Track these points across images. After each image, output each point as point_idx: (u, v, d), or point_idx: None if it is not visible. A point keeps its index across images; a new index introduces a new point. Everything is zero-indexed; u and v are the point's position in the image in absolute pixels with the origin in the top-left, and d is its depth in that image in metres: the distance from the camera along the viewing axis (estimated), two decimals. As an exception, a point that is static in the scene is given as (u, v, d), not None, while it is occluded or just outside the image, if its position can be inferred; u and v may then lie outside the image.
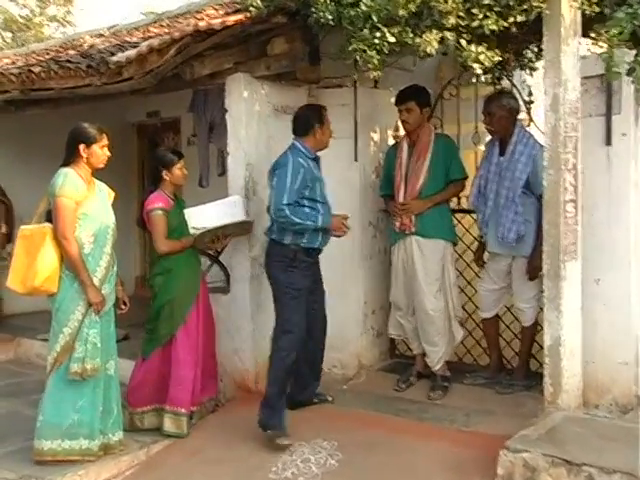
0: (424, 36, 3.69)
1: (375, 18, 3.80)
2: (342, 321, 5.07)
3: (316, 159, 4.43)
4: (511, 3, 3.67)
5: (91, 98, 5.19)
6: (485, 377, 4.86)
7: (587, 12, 3.69)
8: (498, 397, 4.61)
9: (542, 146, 4.08)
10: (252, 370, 4.90)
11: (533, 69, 5.03)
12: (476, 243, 5.10)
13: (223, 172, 6.05)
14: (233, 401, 4.84)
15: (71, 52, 6.00)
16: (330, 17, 3.98)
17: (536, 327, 4.66)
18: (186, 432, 4.31)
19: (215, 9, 6.19)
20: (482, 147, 5.02)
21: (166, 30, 5.47)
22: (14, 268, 3.88)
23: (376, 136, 5.37)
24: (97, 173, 4.04)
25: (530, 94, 4.93)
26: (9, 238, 6.75)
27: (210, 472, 3.96)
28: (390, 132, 5.45)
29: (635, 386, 4.01)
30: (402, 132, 5.02)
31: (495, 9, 3.69)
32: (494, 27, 3.69)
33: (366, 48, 3.82)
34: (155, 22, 7.22)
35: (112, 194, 4.12)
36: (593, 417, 3.87)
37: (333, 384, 5.00)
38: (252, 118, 4.91)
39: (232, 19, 4.44)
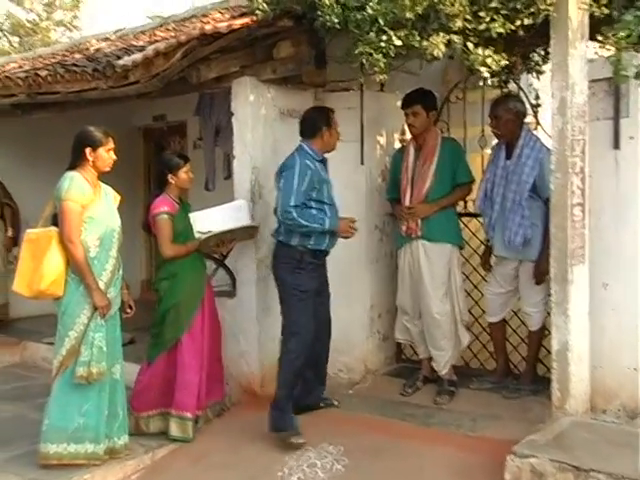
0: (431, 39, 3.67)
1: (381, 21, 3.79)
2: (348, 325, 5.06)
3: (323, 161, 4.43)
4: (518, 6, 3.65)
5: (97, 102, 5.19)
6: (492, 382, 4.84)
7: (596, 14, 3.67)
8: (505, 402, 4.58)
9: (549, 149, 4.06)
10: (258, 373, 4.89)
11: (540, 72, 5.02)
12: (483, 247, 5.09)
13: (229, 176, 6.03)
14: (239, 405, 4.83)
15: (77, 56, 5.99)
16: (336, 20, 3.97)
17: (543, 331, 4.64)
18: (192, 436, 4.31)
19: (221, 13, 6.19)
20: (489, 151, 5.01)
21: (172, 34, 5.46)
22: (20, 272, 3.89)
23: (382, 140, 5.36)
24: (103, 176, 4.04)
25: (537, 97, 4.92)
26: (15, 242, 6.76)
27: (216, 477, 3.96)
28: (396, 136, 5.44)
29: (643, 391, 3.99)
30: (408, 136, 5.01)
31: (502, 12, 3.68)
32: (501, 30, 3.68)
33: (372, 51, 3.81)
34: (161, 26, 7.22)
35: (118, 198, 4.13)
36: (601, 422, 3.85)
37: (339, 388, 4.98)
38: (258, 122, 4.90)
39: (238, 22, 4.45)
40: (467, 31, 3.72)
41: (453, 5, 3.63)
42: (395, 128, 5.40)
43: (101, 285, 3.85)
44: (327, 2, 3.97)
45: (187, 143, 7.74)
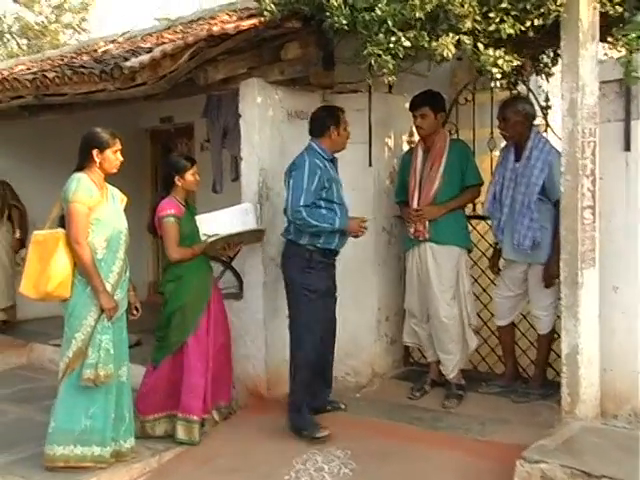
0: (440, 40, 3.65)
1: (390, 22, 3.76)
2: (355, 328, 5.04)
3: (333, 160, 4.43)
4: (528, 7, 3.62)
5: (104, 103, 5.18)
6: (500, 385, 4.81)
7: (610, 13, 3.63)
8: (514, 406, 4.55)
9: (558, 151, 4.03)
10: (264, 376, 4.87)
11: (549, 74, 4.98)
12: (491, 250, 5.05)
13: (236, 177, 6.03)
14: (245, 408, 4.80)
15: (85, 58, 5.99)
16: (345, 22, 3.95)
17: (553, 335, 4.60)
18: (198, 439, 4.29)
19: (229, 14, 6.17)
20: (497, 153, 4.98)
21: (180, 36, 5.45)
22: (27, 273, 3.88)
23: (390, 141, 5.34)
24: (110, 178, 4.04)
25: (547, 99, 4.89)
26: (23, 243, 6.78)
27: (222, 480, 3.94)
28: (405, 137, 5.42)
29: (655, 396, 3.94)
30: (417, 137, 4.98)
31: (512, 13, 3.64)
32: (511, 31, 3.65)
33: (381, 52, 3.78)
34: (169, 28, 7.20)
35: (125, 199, 4.12)
36: (611, 427, 3.80)
37: (346, 392, 4.96)
38: (266, 123, 4.89)
39: (246, 24, 4.43)
40: (476, 32, 3.69)
41: (462, 6, 3.60)
42: (403, 130, 5.38)
43: (108, 287, 3.84)
44: (335, 3, 3.95)
45: (194, 145, 7.75)
